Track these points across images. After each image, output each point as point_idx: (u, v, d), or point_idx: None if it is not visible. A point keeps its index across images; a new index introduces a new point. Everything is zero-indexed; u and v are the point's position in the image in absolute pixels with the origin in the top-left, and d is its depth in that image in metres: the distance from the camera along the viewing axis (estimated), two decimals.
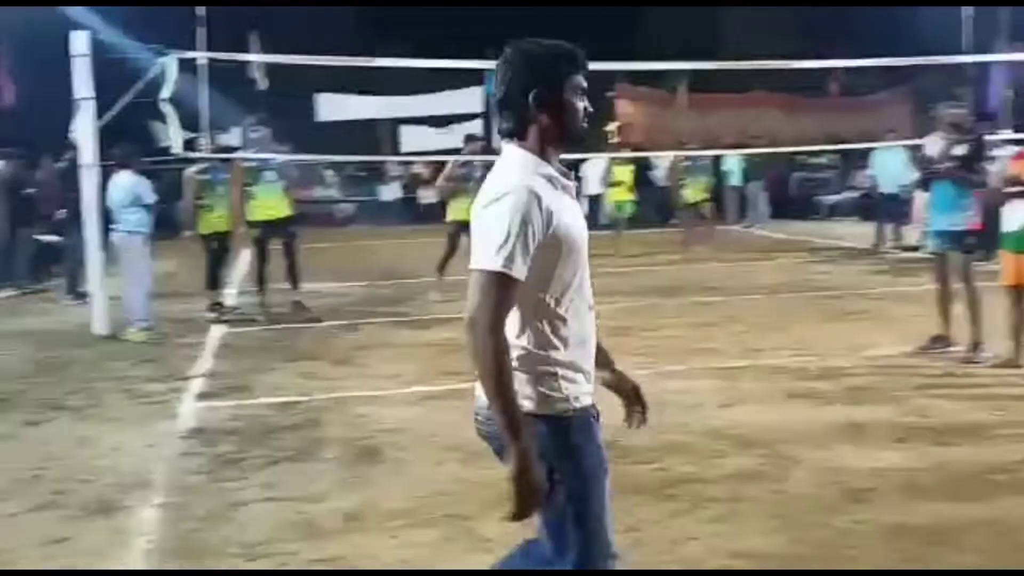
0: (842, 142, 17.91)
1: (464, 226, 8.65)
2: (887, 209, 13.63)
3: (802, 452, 4.82)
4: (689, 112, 19.15)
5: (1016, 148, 6.83)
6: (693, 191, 13.89)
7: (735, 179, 18.09)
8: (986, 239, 7.03)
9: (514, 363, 2.25)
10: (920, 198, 7.05)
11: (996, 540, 3.73)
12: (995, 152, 7.34)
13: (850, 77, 20.17)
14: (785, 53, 8.57)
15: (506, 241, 2.19)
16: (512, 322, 2.28)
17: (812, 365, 6.69)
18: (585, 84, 2.36)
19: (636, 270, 12.12)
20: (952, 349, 6.83)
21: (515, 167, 2.31)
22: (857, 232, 15.49)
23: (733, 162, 17.73)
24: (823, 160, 20.71)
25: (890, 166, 13.51)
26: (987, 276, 7.03)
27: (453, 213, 9.89)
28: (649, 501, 4.18)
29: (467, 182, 9.64)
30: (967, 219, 6.64)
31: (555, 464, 2.28)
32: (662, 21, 24.43)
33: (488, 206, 2.26)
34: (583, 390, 2.36)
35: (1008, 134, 7.91)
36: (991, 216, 6.54)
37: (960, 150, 6.59)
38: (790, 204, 19.84)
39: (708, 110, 19.13)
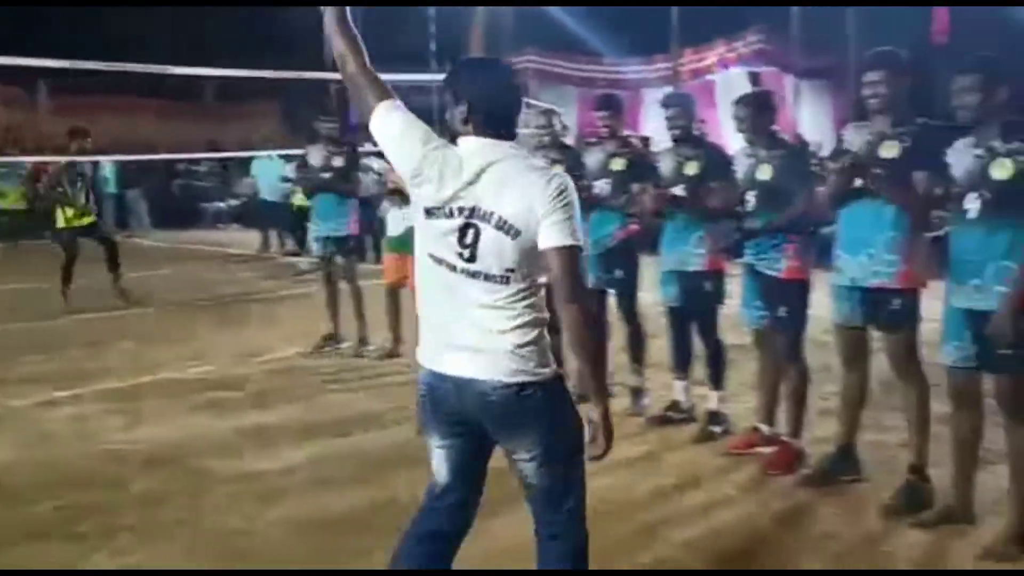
0: (221, 149, 18.09)
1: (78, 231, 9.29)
2: (269, 215, 14.15)
3: (212, 463, 4.75)
4: (54, 116, 17.72)
5: None
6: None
7: (111, 186, 17.21)
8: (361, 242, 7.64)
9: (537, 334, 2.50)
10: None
11: (401, 516, 4.07)
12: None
13: (226, 85, 20.49)
14: (160, 58, 8.38)
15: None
16: (533, 298, 2.52)
17: (212, 375, 6.65)
18: None
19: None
20: (342, 345, 7.33)
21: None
22: (242, 239, 15.80)
23: (109, 169, 16.82)
24: (204, 167, 20.66)
25: (269, 174, 14.03)
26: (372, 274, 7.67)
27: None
28: (55, 545, 3.77)
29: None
30: (347, 225, 7.16)
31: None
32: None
33: (552, 189, 2.44)
34: None
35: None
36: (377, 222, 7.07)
37: (338, 161, 7.07)
38: (173, 212, 19.43)
39: (78, 114, 17.86)
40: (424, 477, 4.43)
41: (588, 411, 2.54)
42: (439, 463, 2.72)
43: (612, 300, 5.67)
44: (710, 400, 5.21)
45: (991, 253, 3.51)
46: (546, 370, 2.51)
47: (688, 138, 5.17)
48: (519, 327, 2.49)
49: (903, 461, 4.29)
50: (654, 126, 15.67)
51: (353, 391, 6.19)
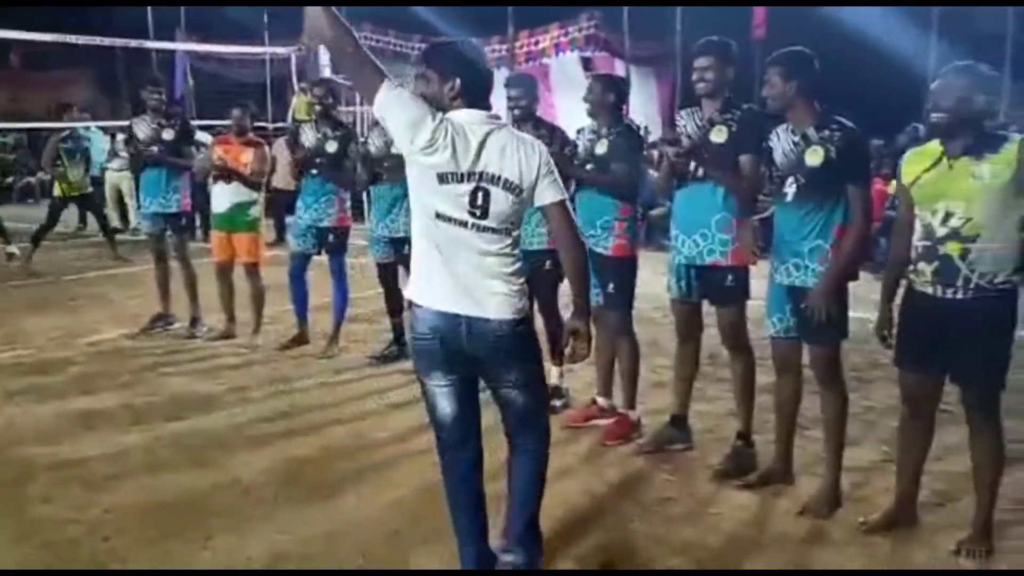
0: (28, 119, 16.92)
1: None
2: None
3: (35, 451, 4.50)
4: None
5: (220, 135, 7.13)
6: None
7: None
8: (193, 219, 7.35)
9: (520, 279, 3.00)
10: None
11: (242, 498, 4.00)
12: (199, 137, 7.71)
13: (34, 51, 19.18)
14: None
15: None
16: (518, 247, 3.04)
17: (31, 359, 6.26)
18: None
19: None
20: (174, 326, 7.06)
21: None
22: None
23: None
24: (8, 140, 19.22)
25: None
26: (203, 253, 7.38)
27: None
28: None
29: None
30: (178, 201, 6.87)
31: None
32: None
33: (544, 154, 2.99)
34: None
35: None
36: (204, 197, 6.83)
37: (168, 134, 6.76)
38: None
39: None
40: (266, 458, 4.41)
41: (572, 322, 3.06)
42: (444, 401, 3.08)
43: None
44: (551, 375, 5.33)
45: (807, 234, 3.78)
46: (526, 308, 3.02)
47: (530, 118, 5.26)
48: (516, 272, 2.99)
49: (728, 429, 4.57)
50: (497, 106, 15.77)
51: (186, 373, 5.96)
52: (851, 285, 3.84)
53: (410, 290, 3.07)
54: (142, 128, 6.82)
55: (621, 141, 4.73)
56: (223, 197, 6.55)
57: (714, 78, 4.15)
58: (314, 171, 6.28)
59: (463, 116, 2.92)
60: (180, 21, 17.10)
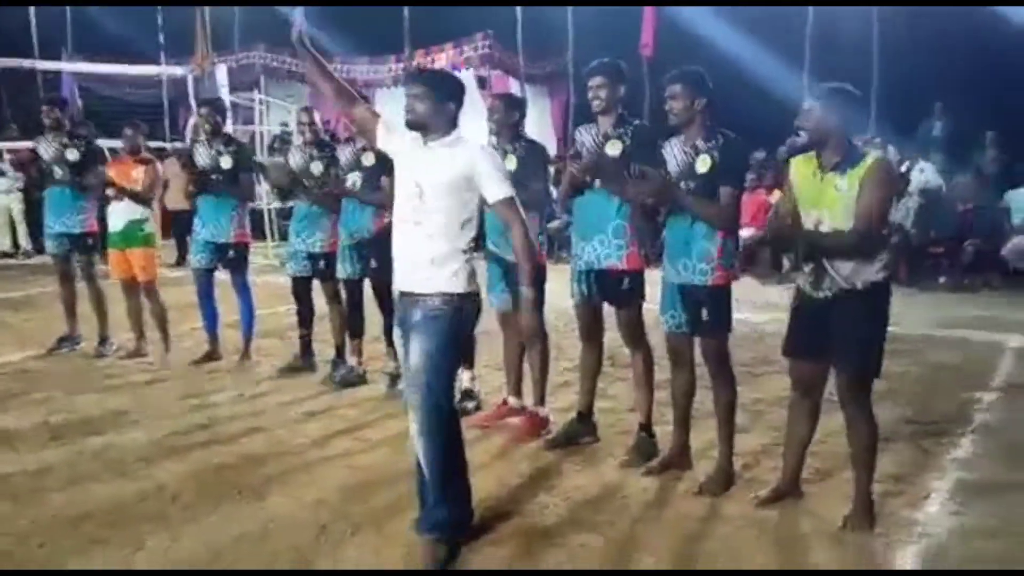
0: None
1: None
2: None
3: None
4: None
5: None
6: None
7: None
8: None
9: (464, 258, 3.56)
10: None
11: (170, 504, 4.12)
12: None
13: None
14: None
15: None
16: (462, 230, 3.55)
17: None
18: None
19: None
20: (80, 347, 7.05)
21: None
22: None
23: None
24: None
25: None
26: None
27: None
28: None
29: None
30: (83, 222, 6.88)
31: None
32: None
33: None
34: None
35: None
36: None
37: (72, 155, 6.77)
38: None
39: None
40: (190, 466, 4.53)
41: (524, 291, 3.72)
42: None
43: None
44: (463, 379, 5.58)
45: (695, 236, 4.15)
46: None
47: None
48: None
49: (630, 423, 4.92)
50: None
51: (100, 391, 6.00)
52: (735, 287, 4.24)
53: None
54: (46, 148, 6.81)
55: (529, 157, 5.05)
56: (118, 216, 6.66)
57: (607, 96, 4.50)
58: (210, 188, 6.39)
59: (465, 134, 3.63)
60: (67, 41, 16.78)
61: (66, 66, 15.18)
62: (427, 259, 3.52)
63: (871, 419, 3.91)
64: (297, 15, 3.77)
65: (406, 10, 15.63)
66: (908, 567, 3.55)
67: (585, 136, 4.64)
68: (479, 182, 3.52)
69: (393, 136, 3.71)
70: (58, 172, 6.76)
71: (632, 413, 5.01)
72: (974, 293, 10.27)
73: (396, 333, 3.74)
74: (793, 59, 12.95)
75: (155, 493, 4.23)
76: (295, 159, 6.36)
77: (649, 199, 4.21)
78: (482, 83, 17.58)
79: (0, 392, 5.95)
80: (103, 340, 6.99)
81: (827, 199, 3.74)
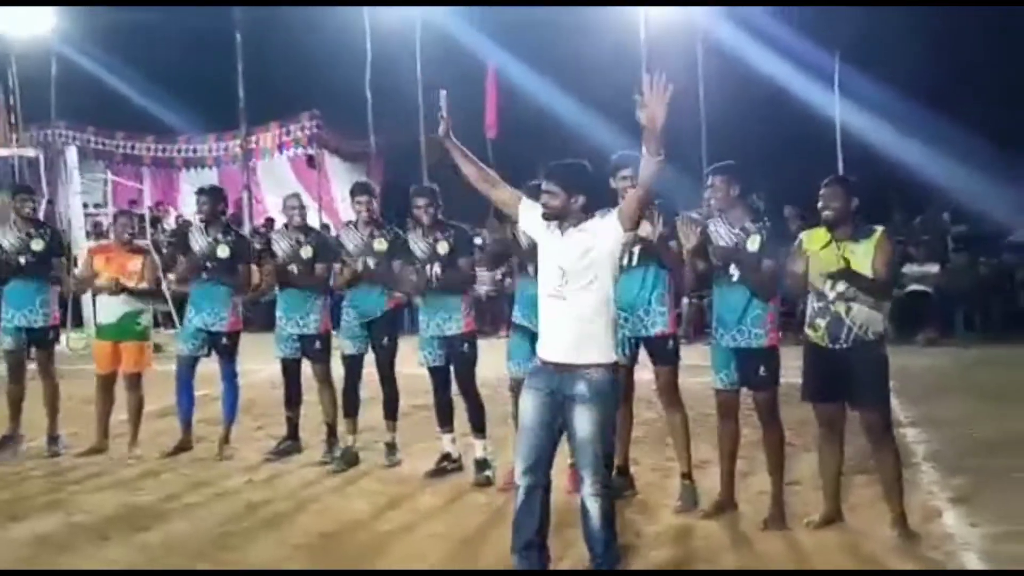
0: None
1: None
2: None
3: None
4: None
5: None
6: None
7: None
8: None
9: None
10: None
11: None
12: None
13: None
14: None
15: None
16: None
17: None
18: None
19: None
20: (22, 447, 6.66)
21: None
22: None
23: None
24: None
25: None
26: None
27: None
28: None
29: None
30: (47, 316, 6.59)
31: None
32: None
33: None
34: None
35: None
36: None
37: (38, 245, 6.47)
38: None
39: None
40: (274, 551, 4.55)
41: None
42: None
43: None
44: (476, 449, 5.90)
45: (752, 305, 4.85)
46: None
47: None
48: None
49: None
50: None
51: (106, 488, 5.79)
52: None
53: None
54: (8, 237, 6.49)
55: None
56: (111, 307, 6.44)
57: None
58: (205, 275, 6.40)
59: None
60: None
61: None
62: (581, 333, 3.92)
63: (897, 449, 4.74)
64: (443, 107, 4.13)
65: (241, 89, 15.54)
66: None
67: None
68: (605, 243, 3.93)
69: (533, 219, 4.08)
70: (21, 262, 6.43)
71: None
72: None
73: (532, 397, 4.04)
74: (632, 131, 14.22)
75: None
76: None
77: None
78: (310, 161, 17.79)
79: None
80: (54, 438, 6.62)
81: (844, 263, 4.55)
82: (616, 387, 4.00)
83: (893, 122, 14.10)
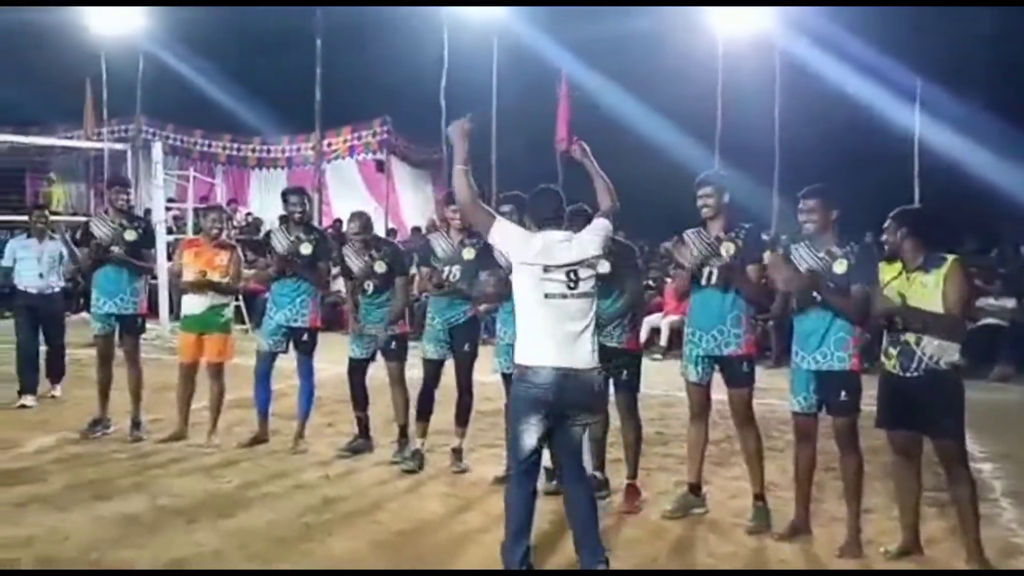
0: None
1: None
2: None
3: (130, 554, 4.51)
4: None
5: None
6: None
7: None
8: None
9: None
10: None
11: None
12: None
13: None
14: None
15: None
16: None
17: None
18: None
19: None
20: (110, 430, 6.89)
21: None
22: None
23: None
24: None
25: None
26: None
27: None
28: None
29: None
30: (136, 304, 6.85)
31: None
32: None
33: None
34: None
35: None
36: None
37: (131, 235, 6.74)
38: None
39: None
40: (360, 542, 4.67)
41: None
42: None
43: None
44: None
45: (836, 328, 4.85)
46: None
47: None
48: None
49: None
50: None
51: (187, 473, 5.96)
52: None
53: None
54: (101, 227, 6.74)
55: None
56: (196, 300, 6.63)
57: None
58: (288, 272, 6.57)
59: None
60: None
61: None
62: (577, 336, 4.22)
63: (974, 480, 4.69)
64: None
65: (318, 92, 15.86)
66: None
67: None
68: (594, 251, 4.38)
69: (512, 231, 4.34)
70: (115, 251, 6.68)
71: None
72: None
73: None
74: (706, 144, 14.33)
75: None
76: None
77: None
78: (379, 166, 18.09)
79: (82, 479, 5.78)
80: (137, 424, 6.84)
81: (914, 294, 4.55)
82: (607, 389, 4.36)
83: (973, 142, 13.80)
